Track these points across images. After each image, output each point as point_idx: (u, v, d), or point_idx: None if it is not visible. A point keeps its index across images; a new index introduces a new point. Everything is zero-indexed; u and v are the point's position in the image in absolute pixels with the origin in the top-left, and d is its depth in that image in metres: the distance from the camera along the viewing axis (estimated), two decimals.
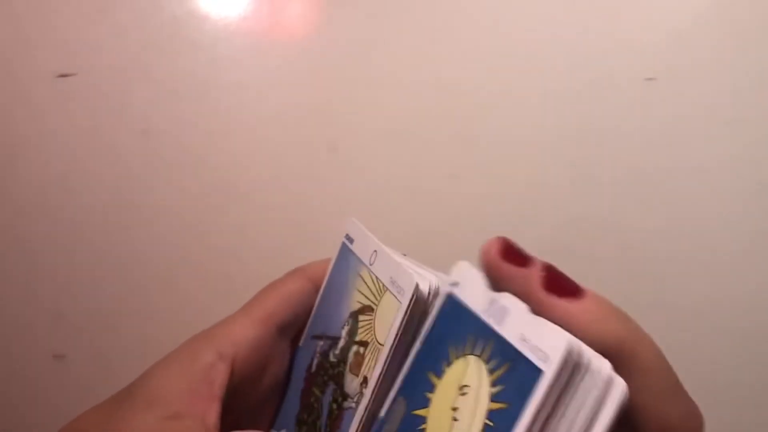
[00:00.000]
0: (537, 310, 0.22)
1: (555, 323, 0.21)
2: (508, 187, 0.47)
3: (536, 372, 0.20)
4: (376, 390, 0.25)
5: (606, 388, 0.20)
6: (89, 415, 0.28)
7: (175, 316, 0.50)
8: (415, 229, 0.48)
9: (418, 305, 0.25)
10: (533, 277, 0.22)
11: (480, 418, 0.21)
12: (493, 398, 0.21)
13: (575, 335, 0.20)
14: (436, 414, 0.23)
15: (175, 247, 0.50)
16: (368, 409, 0.25)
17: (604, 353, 0.21)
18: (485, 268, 0.24)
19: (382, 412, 0.25)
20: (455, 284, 0.25)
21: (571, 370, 0.20)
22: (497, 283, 0.24)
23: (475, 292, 0.24)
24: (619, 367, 0.21)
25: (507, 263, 0.24)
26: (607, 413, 0.20)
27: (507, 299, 0.22)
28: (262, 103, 0.50)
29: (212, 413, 0.25)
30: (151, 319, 0.50)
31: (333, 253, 0.28)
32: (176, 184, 0.50)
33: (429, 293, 0.25)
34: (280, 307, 0.30)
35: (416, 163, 0.48)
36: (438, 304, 0.25)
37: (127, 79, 0.50)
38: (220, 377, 0.26)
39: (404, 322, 0.24)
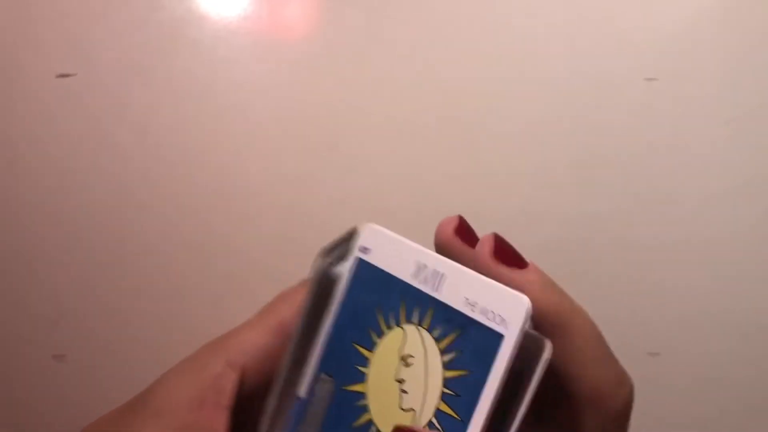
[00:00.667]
0: (486, 275, 0.23)
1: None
2: (508, 187, 0.47)
3: (496, 337, 0.20)
4: (287, 367, 0.25)
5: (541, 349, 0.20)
6: (99, 424, 0.28)
7: (176, 315, 0.50)
8: (415, 229, 0.48)
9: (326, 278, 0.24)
10: (483, 244, 0.24)
11: (435, 388, 0.21)
12: (447, 366, 0.21)
13: None
14: (377, 388, 0.22)
15: (176, 246, 0.50)
16: (280, 389, 0.24)
17: (542, 322, 0.22)
18: (439, 243, 0.25)
19: (302, 392, 0.24)
20: (365, 250, 0.24)
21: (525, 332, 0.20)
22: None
23: (395, 258, 0.23)
24: (553, 336, 0.22)
25: (460, 241, 0.25)
26: (537, 374, 0.20)
27: (438, 263, 0.22)
28: (262, 103, 0.50)
29: (221, 423, 0.25)
30: (152, 319, 0.50)
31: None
32: (176, 184, 0.50)
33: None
34: (292, 316, 0.30)
35: (416, 162, 0.48)
36: (347, 270, 0.24)
37: (127, 79, 0.50)
38: (229, 386, 0.26)
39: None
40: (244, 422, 0.26)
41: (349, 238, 0.26)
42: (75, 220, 0.51)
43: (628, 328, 0.47)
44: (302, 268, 0.45)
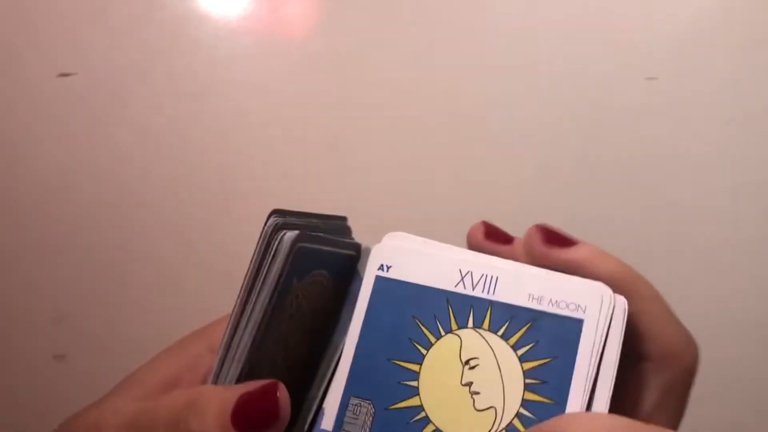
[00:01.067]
0: (542, 264, 0.24)
1: (563, 271, 0.23)
2: (508, 187, 0.47)
3: (575, 323, 0.21)
4: (228, 331, 0.24)
5: (623, 315, 0.22)
6: (81, 412, 0.29)
7: (176, 315, 0.50)
8: (414, 229, 0.48)
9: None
10: (532, 236, 0.25)
11: (516, 381, 0.21)
12: (524, 358, 0.21)
13: (586, 274, 0.23)
14: (438, 397, 0.22)
15: (176, 246, 0.50)
16: (221, 356, 0.24)
17: (613, 283, 0.23)
18: (475, 250, 0.26)
19: (328, 425, 0.23)
20: (385, 267, 0.24)
21: (606, 313, 0.22)
22: None
23: (429, 270, 0.24)
24: (628, 296, 0.23)
25: (491, 243, 0.26)
26: (617, 331, 0.22)
27: (486, 269, 0.23)
28: (262, 103, 0.50)
29: None
30: (152, 319, 0.50)
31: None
32: (176, 184, 0.50)
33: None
34: None
35: (416, 162, 0.48)
36: (364, 290, 0.24)
37: (127, 78, 0.50)
38: (205, 367, 0.27)
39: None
40: None
41: (326, 218, 0.26)
42: (75, 219, 0.51)
43: None
44: None
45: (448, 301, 0.23)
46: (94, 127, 0.51)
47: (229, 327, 0.24)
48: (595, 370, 0.21)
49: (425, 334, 0.23)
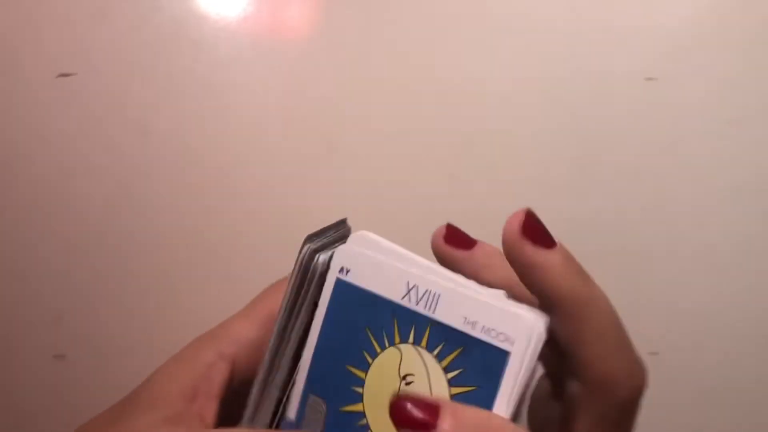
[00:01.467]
0: (509, 251, 0.24)
1: (524, 272, 0.23)
2: (508, 187, 0.47)
3: (502, 354, 0.21)
4: (269, 355, 0.25)
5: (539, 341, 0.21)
6: (95, 420, 0.28)
7: (176, 315, 0.50)
8: (414, 229, 0.48)
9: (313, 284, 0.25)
10: (513, 219, 0.24)
11: None
12: (452, 382, 0.21)
13: (544, 285, 0.22)
14: (377, 406, 0.22)
15: (176, 246, 0.50)
16: (263, 379, 0.25)
17: (558, 305, 0.22)
18: (435, 254, 0.25)
19: (291, 414, 0.24)
20: (345, 270, 0.25)
21: (534, 349, 0.21)
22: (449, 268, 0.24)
23: (381, 279, 0.24)
24: (569, 320, 0.22)
25: (451, 248, 0.25)
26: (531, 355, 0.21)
27: (430, 284, 0.23)
28: (262, 103, 0.50)
29: (210, 412, 0.25)
30: (152, 319, 0.50)
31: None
32: (176, 184, 0.50)
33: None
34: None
35: (416, 163, 0.48)
36: (326, 290, 0.25)
37: (128, 79, 0.50)
38: (220, 376, 0.27)
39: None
40: (235, 411, 0.26)
41: (335, 226, 0.26)
42: (75, 219, 0.51)
43: (627, 327, 0.47)
44: None
45: (393, 313, 0.23)
46: (94, 128, 0.51)
47: (266, 363, 0.25)
48: (514, 404, 0.21)
49: (372, 344, 0.23)
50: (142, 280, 0.51)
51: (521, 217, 0.24)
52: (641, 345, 0.50)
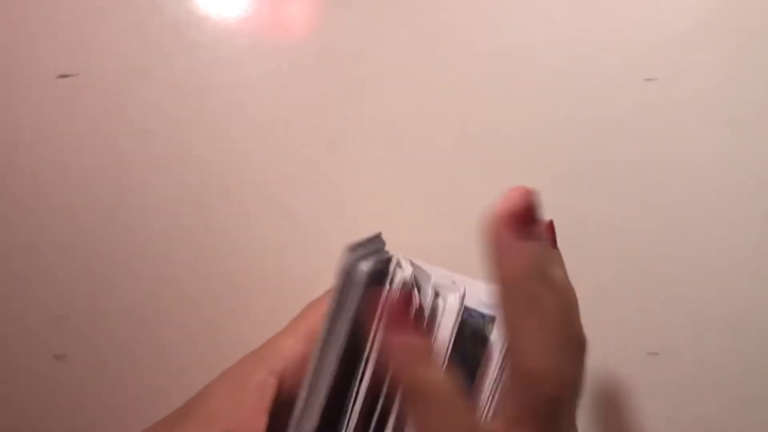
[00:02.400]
0: (492, 226, 0.28)
1: (495, 248, 0.27)
2: (508, 186, 0.47)
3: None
4: (313, 367, 0.28)
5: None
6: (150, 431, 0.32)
7: (176, 315, 0.51)
8: (415, 230, 0.48)
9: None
10: (508, 201, 0.29)
11: None
12: None
13: (504, 266, 0.26)
14: None
15: (176, 246, 0.50)
16: (307, 390, 0.28)
17: (515, 296, 0.26)
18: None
19: None
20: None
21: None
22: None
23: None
24: (521, 312, 0.26)
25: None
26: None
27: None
28: (262, 104, 0.50)
29: (261, 424, 0.28)
30: (152, 319, 0.50)
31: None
32: (176, 184, 0.50)
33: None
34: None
35: (416, 163, 0.48)
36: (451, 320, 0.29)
37: (128, 79, 0.51)
38: (270, 392, 0.30)
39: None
40: (281, 420, 0.29)
41: (374, 238, 0.29)
42: (75, 220, 0.51)
43: (627, 327, 0.47)
44: (302, 269, 0.45)
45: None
46: (95, 128, 0.51)
47: (310, 375, 0.27)
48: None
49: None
50: (142, 280, 0.51)
51: (516, 198, 0.28)
52: (641, 345, 0.50)
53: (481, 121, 0.48)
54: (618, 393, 0.46)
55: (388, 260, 0.28)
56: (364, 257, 0.28)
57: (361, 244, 0.28)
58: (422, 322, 0.27)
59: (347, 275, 0.27)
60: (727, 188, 0.46)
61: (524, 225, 0.27)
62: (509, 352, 0.26)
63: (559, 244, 0.47)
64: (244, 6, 0.50)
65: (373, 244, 0.29)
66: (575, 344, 0.26)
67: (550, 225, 0.31)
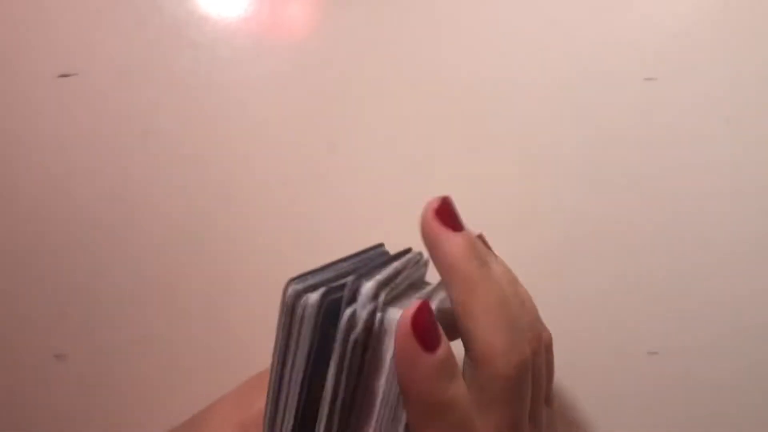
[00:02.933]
0: (423, 227, 0.29)
1: (432, 243, 0.29)
2: (508, 187, 0.47)
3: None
4: (270, 402, 0.28)
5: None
6: None
7: (176, 316, 0.51)
8: (416, 230, 0.48)
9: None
10: (431, 203, 0.30)
11: None
12: None
13: (442, 256, 0.28)
14: None
15: (176, 247, 0.50)
16: (269, 420, 0.27)
17: (454, 277, 0.27)
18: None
19: None
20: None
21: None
22: None
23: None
24: (462, 296, 0.27)
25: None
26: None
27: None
28: (262, 104, 0.50)
29: None
30: (152, 319, 0.51)
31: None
32: (176, 184, 0.50)
33: None
34: None
35: (416, 163, 0.48)
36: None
37: (128, 79, 0.51)
38: None
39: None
40: None
41: (322, 269, 0.29)
42: (75, 220, 0.51)
43: (627, 327, 0.47)
44: (302, 269, 0.45)
45: None
46: (94, 128, 0.51)
47: (269, 406, 0.27)
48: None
49: None
50: (143, 280, 0.51)
51: (438, 201, 0.30)
52: (641, 344, 0.50)
53: (480, 122, 0.48)
54: (618, 393, 0.46)
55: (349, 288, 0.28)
56: (313, 288, 0.27)
57: (307, 275, 0.28)
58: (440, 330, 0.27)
59: (291, 310, 0.27)
60: (727, 188, 0.46)
61: (449, 219, 0.29)
62: (463, 338, 0.27)
63: (558, 244, 0.47)
64: (244, 6, 0.50)
65: (326, 273, 0.29)
66: (520, 326, 0.27)
67: (481, 236, 0.34)
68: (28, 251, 0.52)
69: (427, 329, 0.25)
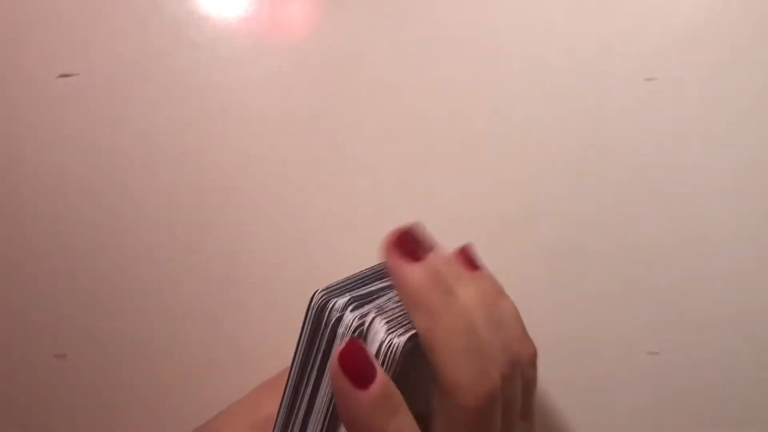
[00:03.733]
0: (384, 257, 0.28)
1: (392, 275, 0.28)
2: (509, 188, 0.47)
3: None
4: (284, 407, 0.28)
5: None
6: None
7: (176, 316, 0.51)
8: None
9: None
10: (390, 233, 0.29)
11: None
12: None
13: (402, 287, 0.27)
14: None
15: (176, 247, 0.50)
16: (281, 423, 0.28)
17: (416, 309, 0.27)
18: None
19: None
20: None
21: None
22: None
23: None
24: (425, 324, 0.26)
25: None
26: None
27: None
28: (262, 104, 0.50)
29: None
30: (152, 319, 0.51)
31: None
32: (176, 185, 0.50)
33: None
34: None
35: (418, 163, 0.48)
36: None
37: (128, 79, 0.51)
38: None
39: None
40: None
41: (347, 280, 0.29)
42: (76, 220, 0.51)
43: (627, 327, 0.47)
44: (303, 269, 0.45)
45: None
46: (96, 128, 0.51)
47: (282, 414, 0.28)
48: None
49: None
50: (142, 281, 0.51)
51: (396, 233, 0.29)
52: (641, 344, 0.50)
53: (480, 122, 0.48)
54: (618, 393, 0.46)
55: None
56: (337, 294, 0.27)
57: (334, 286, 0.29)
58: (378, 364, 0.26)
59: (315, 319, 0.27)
60: (727, 188, 0.46)
61: (408, 249, 0.28)
62: (432, 370, 0.26)
63: (558, 244, 0.47)
64: (244, 6, 0.50)
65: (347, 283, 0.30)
66: (489, 353, 0.27)
67: (463, 250, 0.33)
68: (28, 251, 0.52)
69: (357, 366, 0.25)
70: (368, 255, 0.48)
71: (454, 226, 0.48)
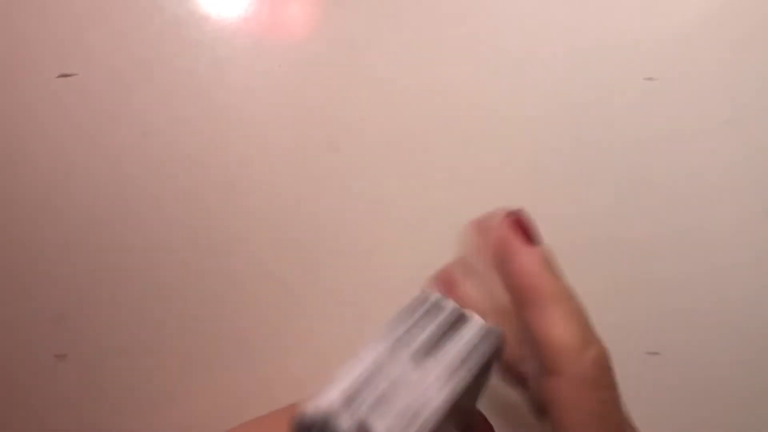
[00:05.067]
0: (500, 240, 0.29)
1: (507, 257, 0.28)
2: (508, 187, 0.48)
3: None
4: None
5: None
6: None
7: (176, 316, 0.51)
8: (417, 231, 0.48)
9: None
10: (509, 214, 0.29)
11: None
12: None
13: (519, 269, 0.28)
14: None
15: (176, 246, 0.50)
16: None
17: (527, 295, 0.27)
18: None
19: None
20: None
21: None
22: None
23: None
24: (534, 309, 0.27)
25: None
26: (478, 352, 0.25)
27: None
28: (262, 104, 0.50)
29: None
30: (152, 319, 0.50)
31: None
32: (176, 184, 0.50)
33: None
34: None
35: (417, 163, 0.48)
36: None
37: (128, 79, 0.51)
38: None
39: None
40: None
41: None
42: (75, 220, 0.51)
43: (627, 327, 0.47)
44: (302, 269, 0.45)
45: None
46: (95, 128, 0.51)
47: None
48: None
49: None
50: (142, 281, 0.51)
51: (516, 213, 0.29)
52: (641, 344, 0.50)
53: (480, 122, 0.48)
54: None
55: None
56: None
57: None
58: None
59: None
60: (727, 188, 0.46)
61: (528, 232, 0.29)
62: (541, 352, 0.26)
63: (558, 243, 0.47)
64: (244, 6, 0.50)
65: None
66: (592, 326, 0.28)
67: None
68: (28, 251, 0.52)
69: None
70: (368, 254, 0.49)
71: (454, 226, 0.48)
